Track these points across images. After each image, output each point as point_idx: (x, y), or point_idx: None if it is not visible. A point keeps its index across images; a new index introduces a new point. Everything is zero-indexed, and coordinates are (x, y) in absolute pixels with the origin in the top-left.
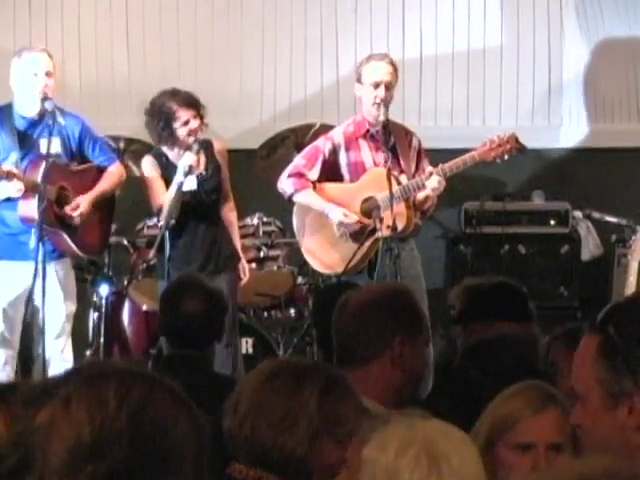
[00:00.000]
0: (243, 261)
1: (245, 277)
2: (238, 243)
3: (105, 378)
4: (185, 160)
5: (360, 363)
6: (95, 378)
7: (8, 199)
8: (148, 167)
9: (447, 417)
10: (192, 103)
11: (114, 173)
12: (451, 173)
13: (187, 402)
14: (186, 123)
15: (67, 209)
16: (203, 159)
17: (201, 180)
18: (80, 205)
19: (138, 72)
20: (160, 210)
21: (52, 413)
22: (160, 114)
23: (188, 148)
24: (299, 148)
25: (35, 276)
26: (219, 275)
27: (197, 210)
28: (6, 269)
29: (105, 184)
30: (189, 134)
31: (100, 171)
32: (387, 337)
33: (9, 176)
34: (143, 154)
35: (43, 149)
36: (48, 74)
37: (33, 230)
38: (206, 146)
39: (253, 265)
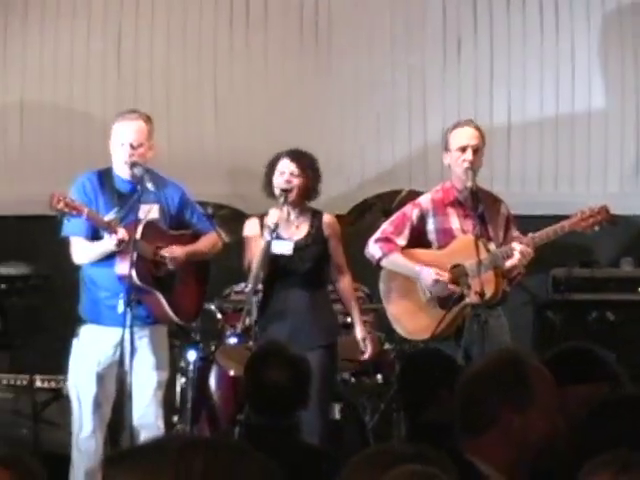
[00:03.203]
0: (364, 334)
1: (367, 352)
2: (357, 316)
3: (193, 448)
4: (270, 218)
5: (476, 432)
6: (182, 448)
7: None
8: (249, 226)
9: None
10: (296, 156)
11: (210, 238)
12: (541, 243)
13: (277, 475)
14: (281, 174)
15: (162, 251)
16: (306, 227)
17: (298, 247)
18: (175, 250)
19: (226, 139)
20: (248, 268)
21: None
22: (269, 162)
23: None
24: (387, 214)
25: (123, 341)
26: (312, 351)
27: (290, 277)
28: (98, 333)
29: (201, 244)
30: (280, 187)
31: (196, 237)
32: (493, 410)
33: (110, 227)
34: (231, 220)
35: (143, 214)
36: (133, 145)
37: (121, 295)
38: (315, 215)
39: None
